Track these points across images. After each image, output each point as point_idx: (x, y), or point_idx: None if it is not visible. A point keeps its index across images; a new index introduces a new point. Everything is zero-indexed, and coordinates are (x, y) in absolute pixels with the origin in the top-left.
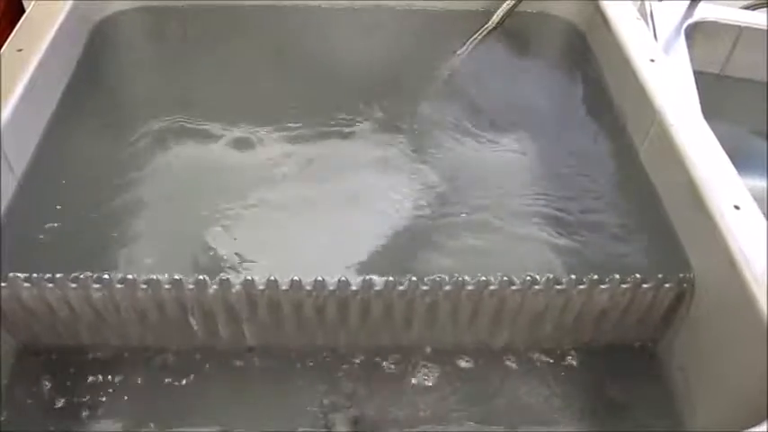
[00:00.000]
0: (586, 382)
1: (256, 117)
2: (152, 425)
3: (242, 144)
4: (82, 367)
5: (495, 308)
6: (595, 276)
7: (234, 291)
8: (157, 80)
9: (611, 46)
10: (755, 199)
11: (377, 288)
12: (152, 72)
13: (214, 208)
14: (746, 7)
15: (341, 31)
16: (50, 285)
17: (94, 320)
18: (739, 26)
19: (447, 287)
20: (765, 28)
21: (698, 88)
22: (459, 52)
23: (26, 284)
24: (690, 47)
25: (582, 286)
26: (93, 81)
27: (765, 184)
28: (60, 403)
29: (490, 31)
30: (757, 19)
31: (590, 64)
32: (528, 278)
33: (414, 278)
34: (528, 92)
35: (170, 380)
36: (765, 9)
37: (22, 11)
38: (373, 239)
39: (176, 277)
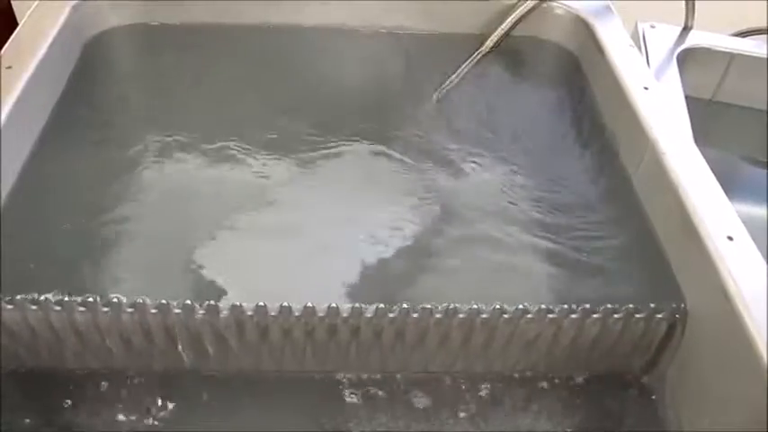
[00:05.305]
0: (576, 412)
1: (248, 138)
2: None
3: (233, 165)
4: (64, 390)
5: (486, 336)
6: (587, 306)
7: (222, 316)
8: (149, 99)
9: (605, 72)
10: (747, 226)
11: (367, 315)
12: (144, 90)
13: (203, 230)
14: (738, 34)
15: (334, 53)
16: (33, 308)
17: (78, 344)
18: (731, 53)
19: (438, 315)
20: (756, 55)
21: (690, 114)
22: (452, 76)
23: (8, 306)
24: (682, 73)
25: (574, 315)
26: (84, 98)
27: (761, 211)
28: (41, 428)
29: (484, 54)
30: (748, 46)
31: (583, 90)
32: (520, 307)
33: (404, 306)
34: (520, 116)
35: (155, 404)
36: (756, 36)
37: (15, 25)
38: (363, 265)
39: (163, 302)
